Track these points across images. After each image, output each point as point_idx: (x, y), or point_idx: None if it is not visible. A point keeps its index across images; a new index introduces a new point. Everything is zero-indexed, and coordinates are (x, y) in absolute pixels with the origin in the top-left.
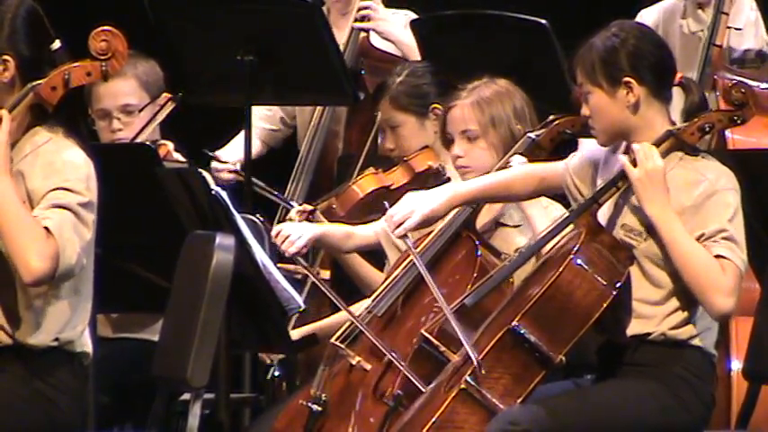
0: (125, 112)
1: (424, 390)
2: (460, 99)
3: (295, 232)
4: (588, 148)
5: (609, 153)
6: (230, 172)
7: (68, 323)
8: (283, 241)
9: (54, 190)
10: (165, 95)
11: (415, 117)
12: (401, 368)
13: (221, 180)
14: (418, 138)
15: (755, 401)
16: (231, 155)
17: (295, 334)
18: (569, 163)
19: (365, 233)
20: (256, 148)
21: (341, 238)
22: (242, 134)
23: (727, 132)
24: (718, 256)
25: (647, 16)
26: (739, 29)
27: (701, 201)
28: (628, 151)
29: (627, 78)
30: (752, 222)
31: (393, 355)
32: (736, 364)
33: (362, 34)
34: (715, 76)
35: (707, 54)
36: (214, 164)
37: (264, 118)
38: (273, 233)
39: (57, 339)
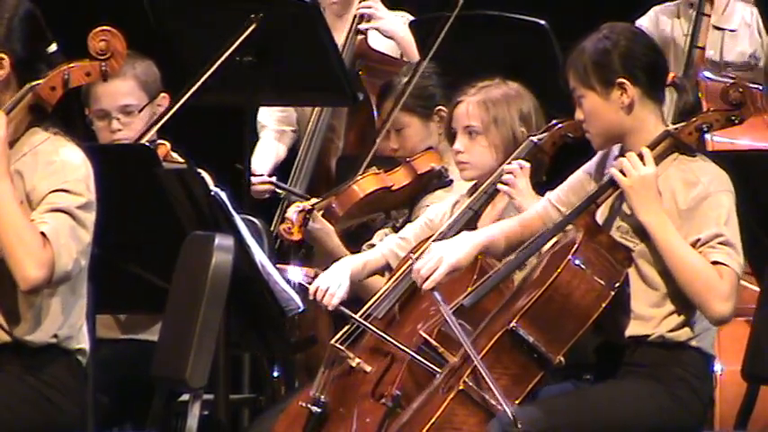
0: (124, 112)
1: (435, 371)
2: (468, 95)
3: (333, 283)
4: (582, 167)
5: (603, 156)
6: (264, 183)
7: (66, 320)
8: (323, 296)
9: (53, 192)
10: (163, 95)
11: (419, 118)
12: (410, 354)
13: (256, 193)
14: (422, 139)
15: (754, 402)
16: (260, 166)
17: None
18: (550, 196)
19: (375, 257)
20: (279, 151)
21: (360, 270)
22: (262, 142)
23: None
24: (715, 263)
25: (643, 22)
26: (733, 30)
27: (695, 204)
28: (622, 153)
29: (620, 79)
30: (749, 223)
31: (400, 345)
32: (720, 366)
33: (360, 36)
34: (697, 78)
35: (690, 56)
36: (254, 179)
37: (280, 120)
38: (311, 290)
39: (55, 336)
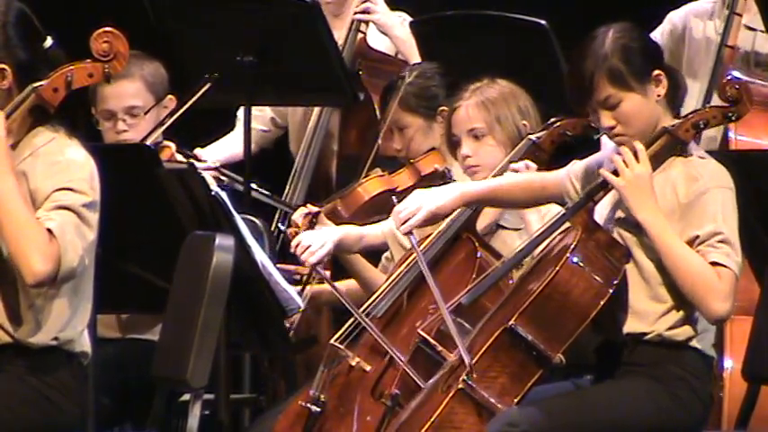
0: (130, 113)
1: (423, 385)
2: (464, 99)
3: (316, 241)
4: (596, 154)
5: (613, 152)
6: (207, 170)
7: (68, 322)
8: (303, 251)
9: (58, 190)
10: (170, 97)
11: (422, 119)
12: (401, 364)
13: None
14: (425, 139)
15: (755, 402)
16: (211, 154)
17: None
18: (571, 170)
19: (374, 233)
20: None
21: (354, 240)
22: (229, 135)
23: (731, 133)
24: (713, 263)
25: (674, 17)
26: (765, 31)
27: (694, 197)
28: None
29: (656, 72)
30: (751, 222)
31: (394, 351)
32: (730, 364)
33: (359, 35)
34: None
35: (719, 54)
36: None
37: (254, 119)
38: (293, 244)
39: (56, 338)
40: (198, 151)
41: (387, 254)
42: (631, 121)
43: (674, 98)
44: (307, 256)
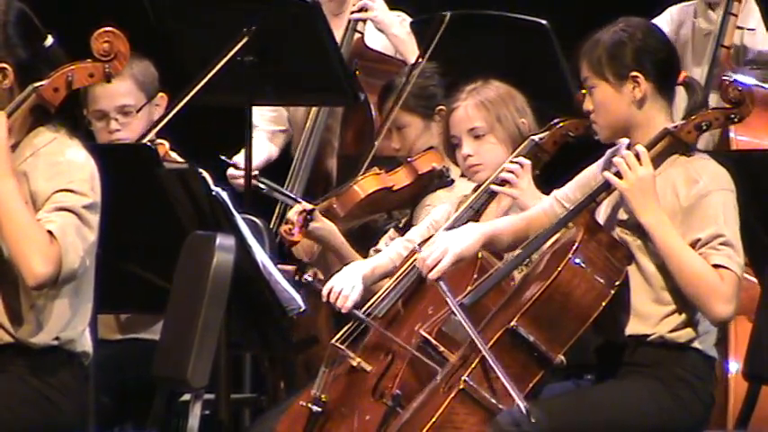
0: (122, 113)
1: (440, 369)
2: (461, 100)
3: (347, 285)
4: (587, 169)
5: (612, 153)
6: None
7: (69, 323)
8: (337, 298)
9: (58, 192)
10: (161, 95)
11: (421, 118)
12: (410, 352)
13: (239, 187)
14: (424, 139)
15: (755, 402)
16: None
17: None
18: (557, 194)
19: (383, 262)
20: (271, 151)
21: (369, 275)
22: (259, 140)
23: (731, 133)
24: (716, 266)
25: (661, 22)
26: (752, 29)
27: (695, 201)
28: (629, 148)
29: (634, 73)
30: (752, 222)
31: (401, 343)
32: (735, 365)
33: (357, 35)
34: (722, 77)
35: (715, 54)
36: (231, 170)
37: (272, 120)
38: (325, 293)
39: (57, 339)
40: (236, 158)
41: (376, 247)
42: (599, 109)
43: (690, 107)
44: (342, 302)
